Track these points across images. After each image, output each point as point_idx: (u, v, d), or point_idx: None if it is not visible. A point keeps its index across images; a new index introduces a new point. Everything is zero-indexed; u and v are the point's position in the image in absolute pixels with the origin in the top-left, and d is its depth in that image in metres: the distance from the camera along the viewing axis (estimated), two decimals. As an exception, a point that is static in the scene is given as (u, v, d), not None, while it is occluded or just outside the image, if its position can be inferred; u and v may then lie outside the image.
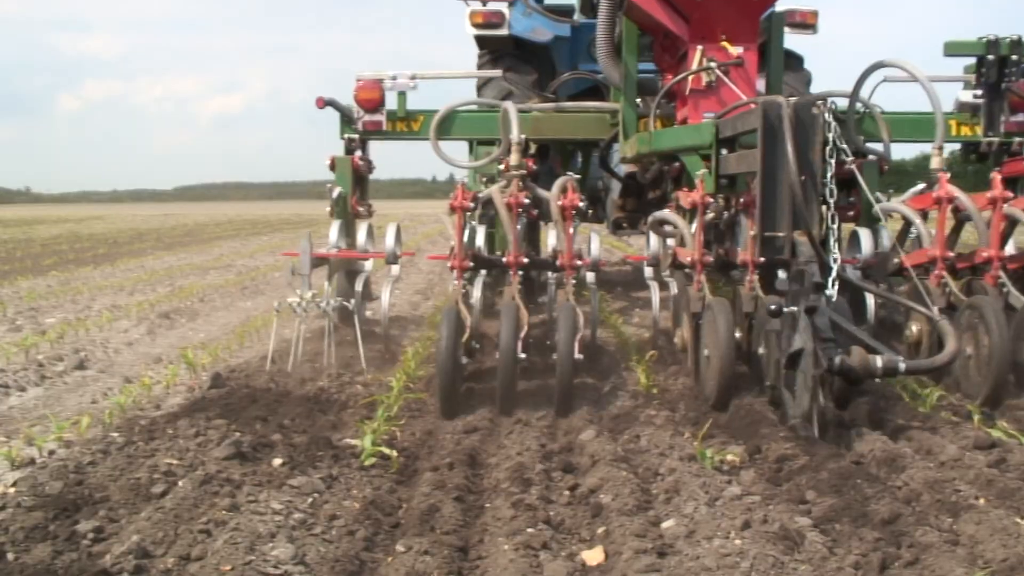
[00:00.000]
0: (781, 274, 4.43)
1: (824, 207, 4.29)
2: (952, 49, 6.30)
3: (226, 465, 3.45)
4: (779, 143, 4.10)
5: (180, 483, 3.28)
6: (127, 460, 3.58)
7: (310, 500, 3.11)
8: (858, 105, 6.07)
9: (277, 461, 3.54)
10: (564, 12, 8.24)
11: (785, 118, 4.09)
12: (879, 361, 3.81)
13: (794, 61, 7.33)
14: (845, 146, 4.52)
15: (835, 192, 4.37)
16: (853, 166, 4.74)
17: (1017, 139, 6.33)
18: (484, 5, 7.57)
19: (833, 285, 4.14)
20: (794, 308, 3.88)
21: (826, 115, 4.41)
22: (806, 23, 7.15)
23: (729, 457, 3.59)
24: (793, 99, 4.28)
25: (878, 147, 6.06)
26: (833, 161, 4.45)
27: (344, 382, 5.07)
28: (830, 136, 4.39)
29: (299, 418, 4.27)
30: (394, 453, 3.62)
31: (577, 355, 4.48)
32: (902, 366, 3.87)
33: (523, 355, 4.53)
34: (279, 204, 77.23)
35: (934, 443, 3.67)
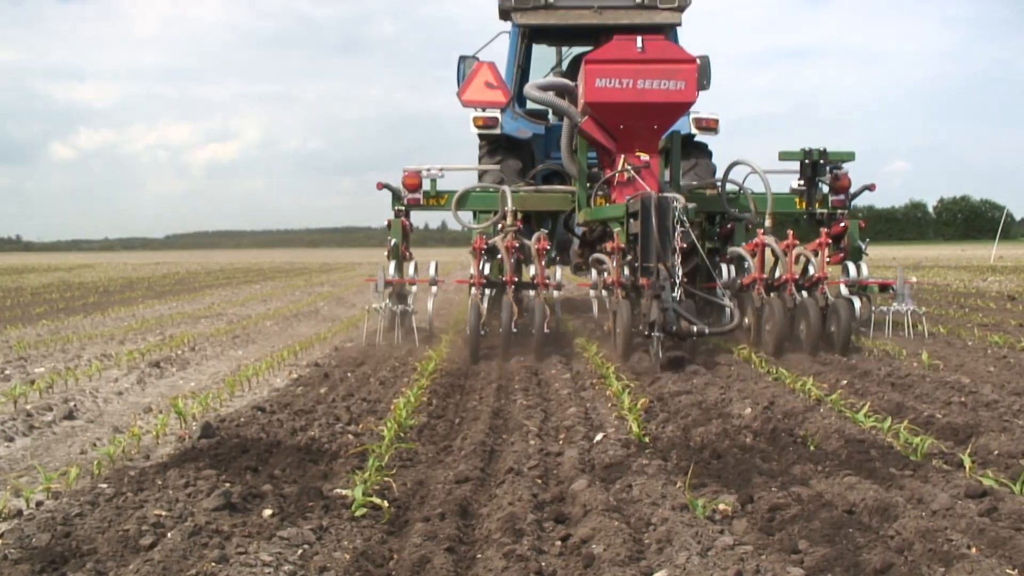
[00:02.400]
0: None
1: (673, 251, 7.44)
2: (783, 156, 9.63)
3: (215, 516, 3.43)
4: (649, 217, 7.45)
5: (169, 535, 3.25)
6: (115, 511, 3.55)
7: (300, 552, 3.09)
8: (742, 187, 9.64)
9: (267, 512, 3.51)
10: (540, 115, 11.28)
11: (652, 205, 7.47)
12: (694, 328, 7.14)
13: (704, 151, 10.85)
14: (685, 218, 7.66)
15: (679, 243, 7.54)
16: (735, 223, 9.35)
17: (839, 211, 9.72)
18: (483, 112, 10.57)
19: (676, 290, 7.30)
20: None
21: (675, 203, 7.56)
22: (710, 127, 10.59)
23: (721, 506, 3.58)
24: (659, 194, 7.67)
25: (747, 214, 9.44)
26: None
27: (336, 431, 5.06)
28: (678, 214, 7.53)
29: (290, 468, 4.25)
30: (385, 503, 3.61)
31: (545, 330, 8.09)
32: (707, 330, 7.21)
33: (515, 330, 8.07)
34: (272, 252, 77.44)
35: (925, 492, 3.66)
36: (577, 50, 11.80)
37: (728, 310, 8.08)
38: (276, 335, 10.72)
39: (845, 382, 6.42)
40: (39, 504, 3.83)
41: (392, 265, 9.61)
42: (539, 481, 4.06)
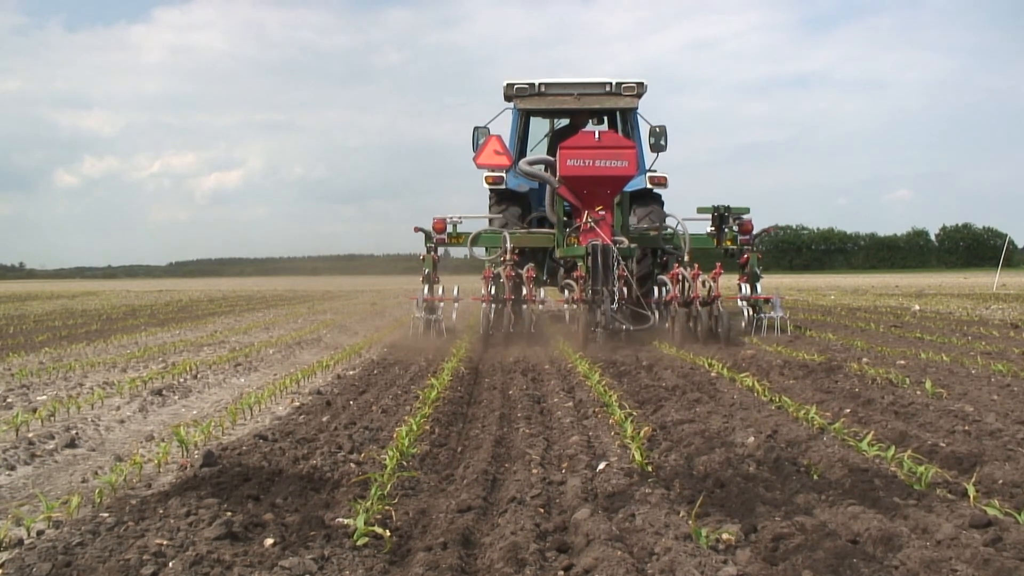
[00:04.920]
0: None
1: (613, 278, 11.49)
2: (700, 210, 13.89)
3: (217, 545, 3.41)
4: (596, 257, 11.46)
5: (170, 564, 3.24)
6: (117, 541, 3.53)
7: (302, 581, 3.07)
8: (676, 227, 13.85)
9: (269, 541, 3.50)
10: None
11: (598, 248, 11.49)
12: (622, 325, 11.49)
13: (657, 201, 14.56)
14: (621, 258, 11.71)
15: (616, 271, 11.60)
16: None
17: (744, 247, 13.62)
18: (492, 172, 14.33)
19: (614, 302, 11.47)
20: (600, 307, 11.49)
21: (614, 249, 11.58)
22: (661, 183, 14.41)
23: (725, 536, 3.56)
24: (603, 242, 11.62)
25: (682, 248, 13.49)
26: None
27: (338, 460, 5.05)
28: (615, 255, 11.57)
29: (291, 497, 4.24)
30: (387, 533, 3.59)
31: (532, 331, 12.00)
32: (631, 328, 11.56)
33: (512, 330, 11.99)
34: (274, 279, 77.55)
35: (929, 521, 3.65)
36: (564, 122, 15.70)
37: (651, 315, 12.18)
38: (278, 363, 10.72)
39: (848, 411, 6.40)
40: (40, 533, 3.82)
41: (426, 288, 13.11)
42: (541, 510, 4.05)
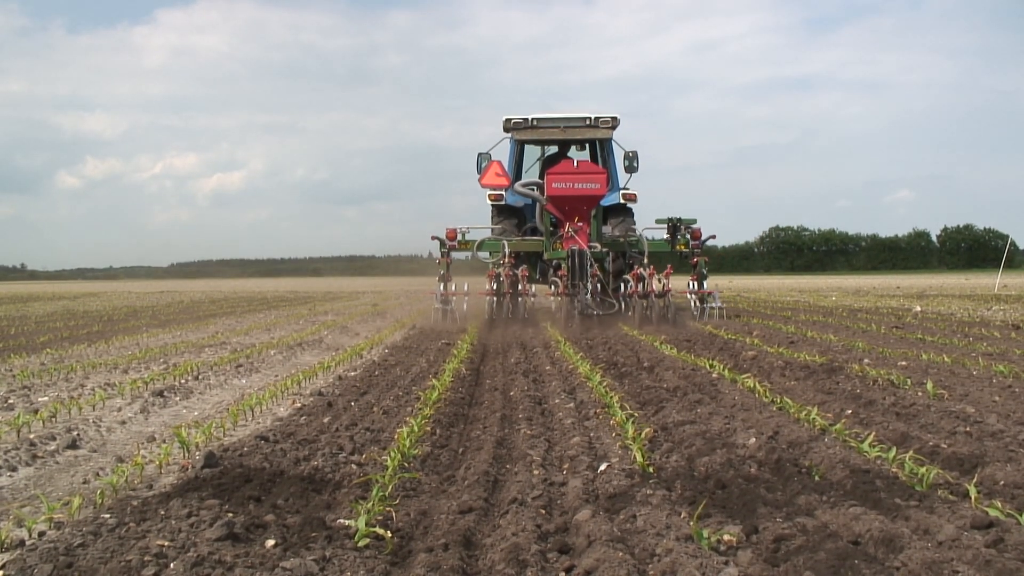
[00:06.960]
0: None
1: (588, 275, 15.33)
2: (658, 221, 17.17)
3: (218, 547, 3.41)
4: (575, 259, 15.36)
5: (172, 565, 3.24)
6: (118, 542, 3.54)
7: (303, 582, 3.07)
8: (641, 237, 17.16)
9: (270, 542, 3.50)
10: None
11: (576, 252, 15.36)
12: (593, 311, 15.18)
13: (629, 213, 18.11)
14: (593, 259, 15.56)
15: (590, 270, 15.45)
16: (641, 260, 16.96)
17: (695, 251, 16.86)
18: (494, 190, 17.62)
19: (588, 293, 15.27)
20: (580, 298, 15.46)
21: (588, 252, 15.38)
22: (631, 199, 18.00)
23: (726, 537, 3.56)
24: (580, 247, 15.42)
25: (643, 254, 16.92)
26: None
27: (339, 461, 5.05)
28: (588, 257, 15.31)
29: (293, 498, 4.24)
30: (388, 534, 3.59)
31: (525, 316, 15.28)
32: (600, 312, 15.26)
33: (510, 316, 15.21)
34: (276, 280, 77.57)
35: (931, 522, 3.64)
36: (552, 149, 19.14)
37: (616, 304, 15.44)
38: (280, 364, 10.72)
39: (850, 412, 6.40)
40: (41, 534, 3.82)
41: (441, 285, 16.23)
42: (543, 511, 4.05)
